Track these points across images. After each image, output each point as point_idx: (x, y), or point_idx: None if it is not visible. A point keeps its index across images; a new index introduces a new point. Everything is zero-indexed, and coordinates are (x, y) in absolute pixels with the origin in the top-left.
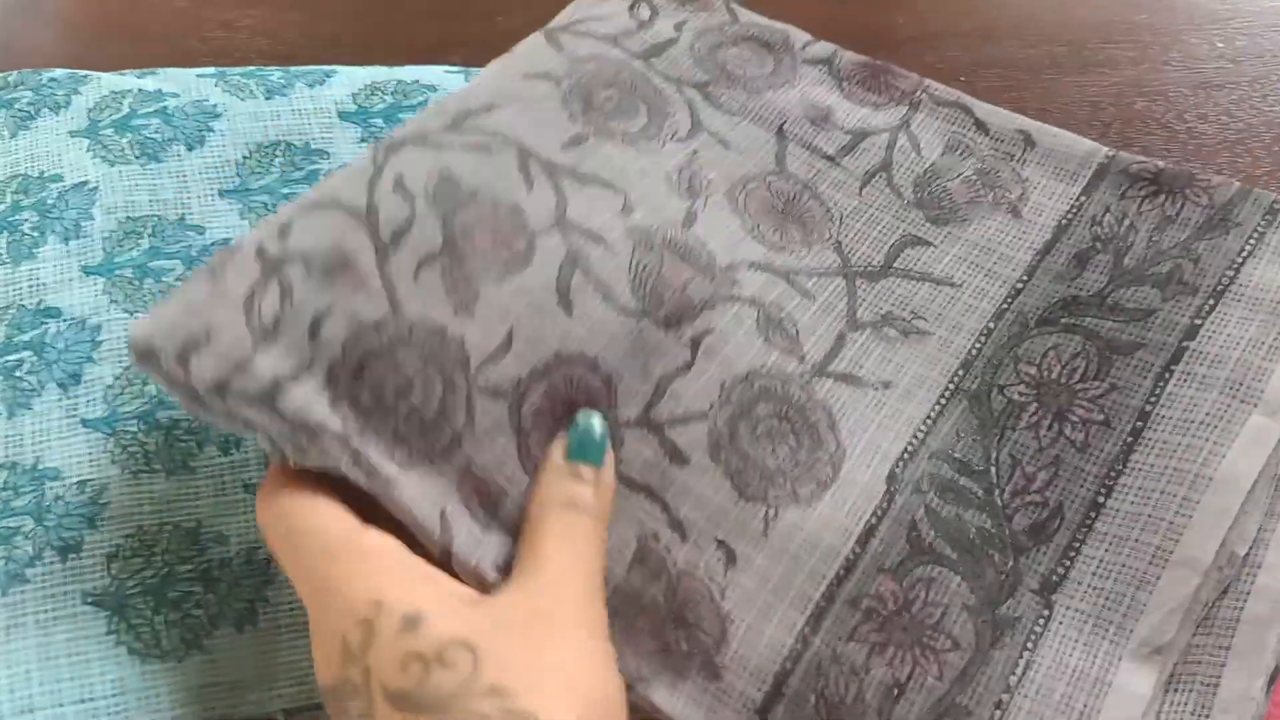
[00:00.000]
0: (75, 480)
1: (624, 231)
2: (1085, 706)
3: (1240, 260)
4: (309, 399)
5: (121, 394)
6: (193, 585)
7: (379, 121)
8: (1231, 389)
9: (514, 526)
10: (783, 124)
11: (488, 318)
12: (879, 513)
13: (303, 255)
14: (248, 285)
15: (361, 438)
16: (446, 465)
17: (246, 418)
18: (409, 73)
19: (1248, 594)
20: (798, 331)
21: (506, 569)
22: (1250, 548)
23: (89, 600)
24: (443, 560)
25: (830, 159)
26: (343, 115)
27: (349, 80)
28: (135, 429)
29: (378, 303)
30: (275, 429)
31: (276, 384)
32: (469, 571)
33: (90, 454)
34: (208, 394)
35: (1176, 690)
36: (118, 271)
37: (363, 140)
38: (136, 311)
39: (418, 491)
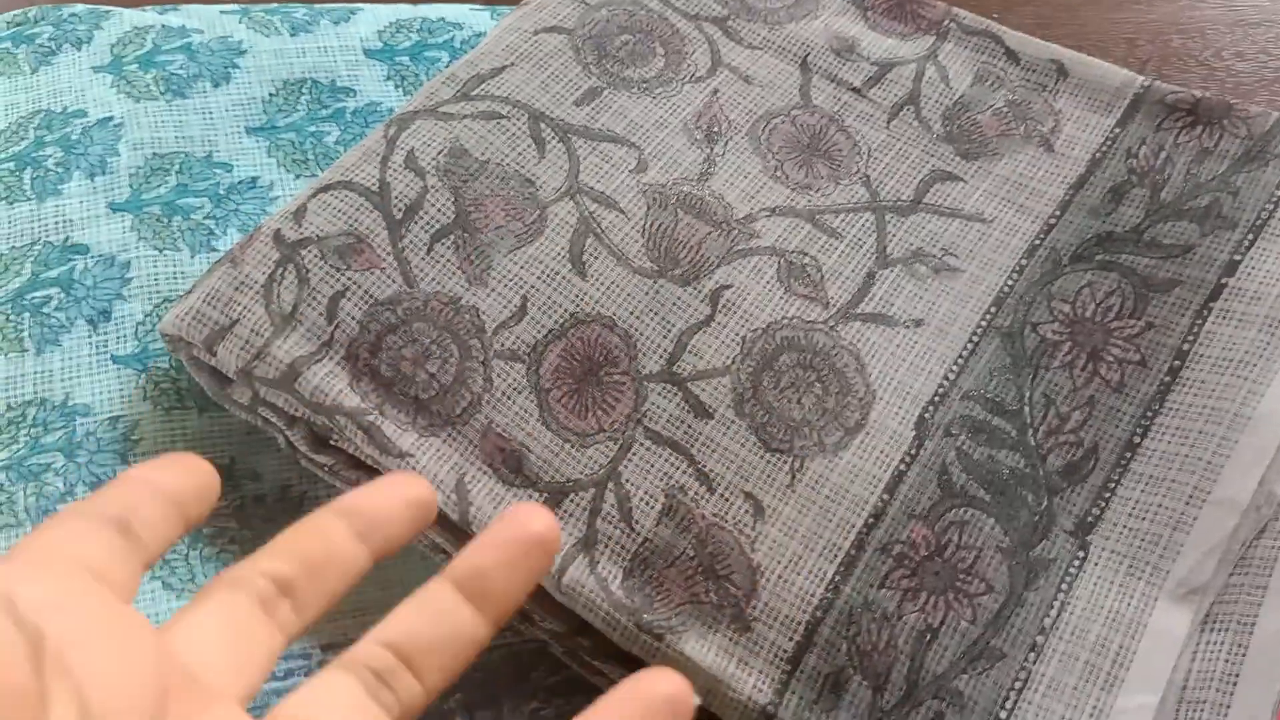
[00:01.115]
0: (106, 416)
1: (638, 192)
2: (1121, 647)
3: None
4: (327, 379)
5: (153, 330)
6: (227, 522)
7: (405, 59)
8: (1271, 326)
9: (538, 481)
10: (806, 56)
11: (502, 287)
12: (908, 459)
13: (318, 238)
14: (266, 272)
15: (380, 411)
16: (467, 427)
17: (271, 402)
18: (434, 10)
19: None
20: (822, 276)
21: None
22: None
23: None
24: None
25: (856, 91)
26: (369, 53)
27: (374, 17)
28: (168, 366)
29: (393, 279)
30: (298, 411)
31: (294, 367)
32: None
33: (121, 390)
34: (238, 378)
35: (1213, 630)
36: (145, 208)
37: (388, 78)
38: (165, 249)
39: (435, 462)
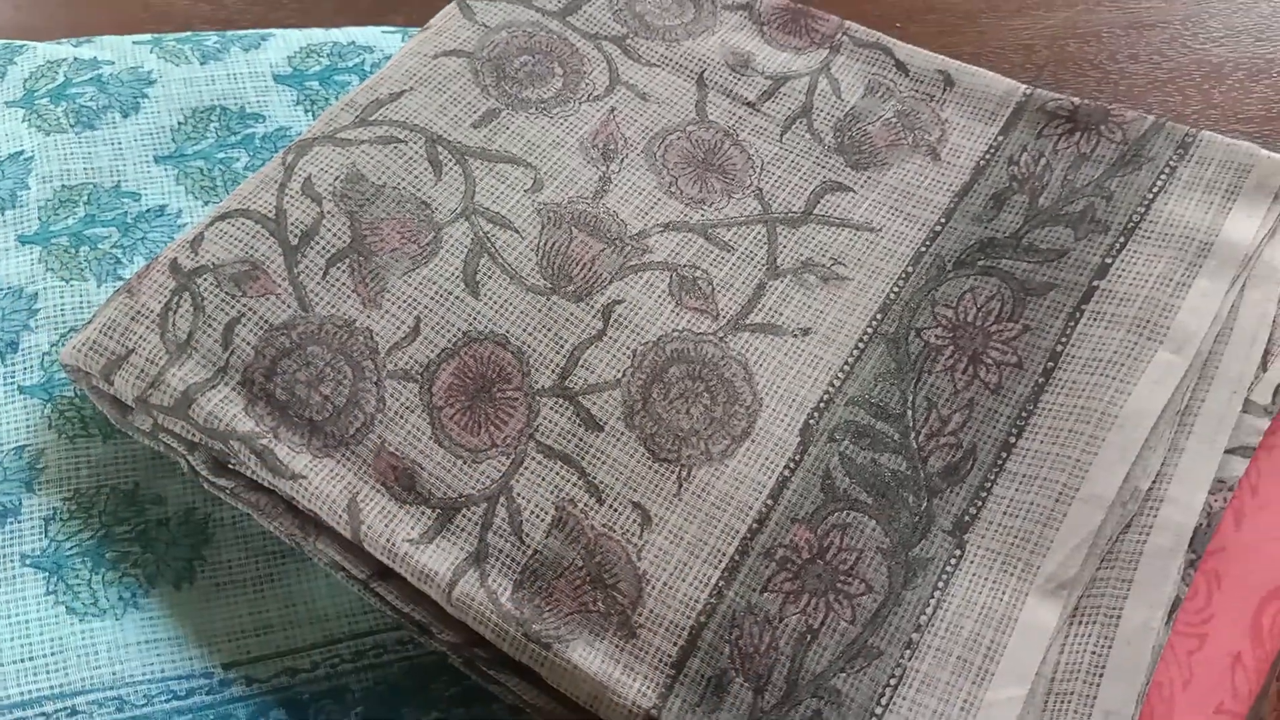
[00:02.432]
0: (13, 446)
1: (533, 211)
2: (992, 642)
3: (1151, 196)
4: (221, 405)
5: (58, 361)
6: (130, 545)
7: (315, 84)
8: (1139, 326)
9: (430, 498)
10: (703, 72)
11: (395, 309)
12: (792, 465)
13: (214, 266)
14: (162, 301)
15: (274, 434)
16: (360, 447)
17: (169, 429)
18: (345, 34)
19: (1150, 527)
20: (713, 289)
21: (424, 539)
22: (1154, 482)
23: (27, 562)
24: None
25: (751, 105)
26: (278, 78)
27: (284, 43)
28: (72, 395)
29: (288, 304)
30: (195, 438)
31: (187, 395)
32: (381, 549)
33: (28, 420)
34: (136, 405)
35: (1081, 623)
36: (54, 240)
37: (298, 103)
38: (73, 280)
39: (328, 482)
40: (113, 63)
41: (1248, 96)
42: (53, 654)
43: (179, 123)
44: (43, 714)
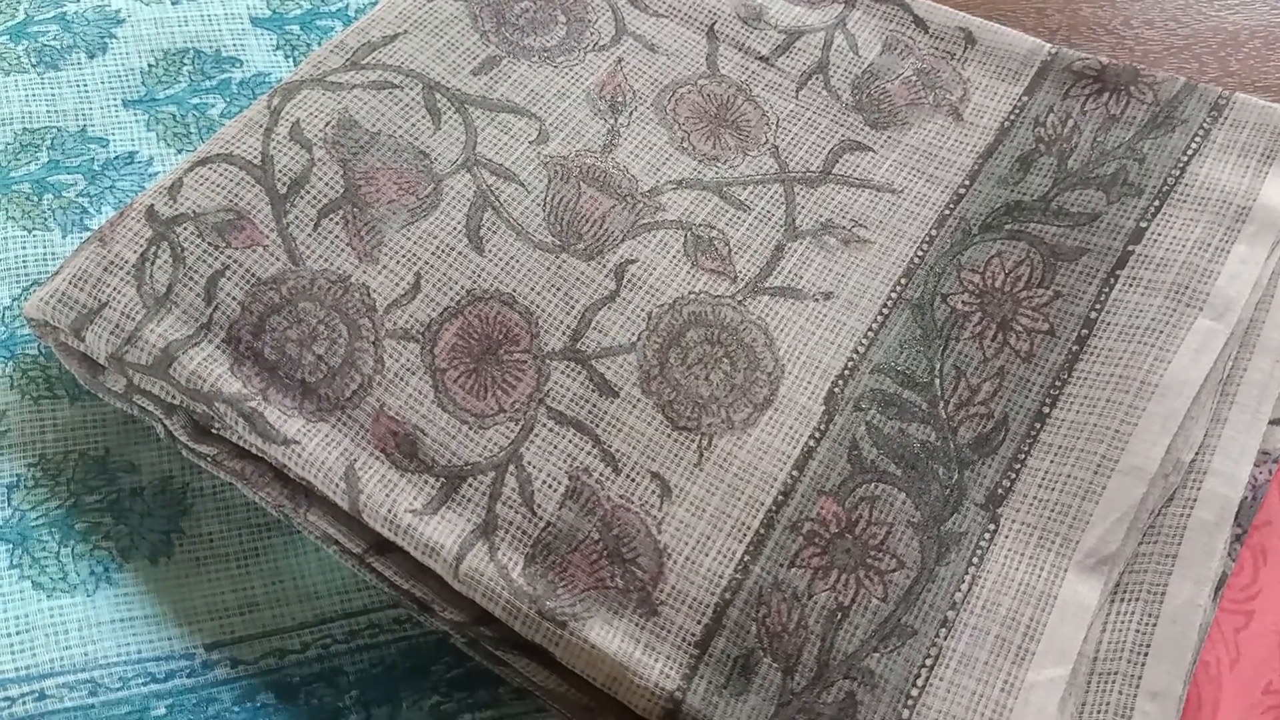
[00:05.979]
0: None
1: (538, 164)
2: (1032, 620)
3: (1186, 159)
4: (205, 364)
5: (20, 315)
6: (102, 516)
7: (295, 28)
8: (1177, 293)
9: (434, 466)
10: (713, 24)
11: (394, 264)
12: (817, 434)
13: (194, 215)
14: (138, 251)
15: (263, 396)
16: (357, 411)
17: (146, 389)
18: None
19: (1194, 501)
20: (730, 250)
21: (428, 510)
22: (1197, 453)
23: None
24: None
25: (764, 60)
26: (256, 21)
27: None
28: (36, 352)
29: (276, 257)
30: (175, 399)
31: (168, 352)
32: (382, 520)
33: None
34: (109, 364)
35: (1123, 600)
36: (15, 187)
37: (278, 48)
38: (35, 229)
39: (323, 448)
40: (77, 0)
41: (1265, 64)
42: (18, 633)
43: (149, 65)
44: (7, 698)
